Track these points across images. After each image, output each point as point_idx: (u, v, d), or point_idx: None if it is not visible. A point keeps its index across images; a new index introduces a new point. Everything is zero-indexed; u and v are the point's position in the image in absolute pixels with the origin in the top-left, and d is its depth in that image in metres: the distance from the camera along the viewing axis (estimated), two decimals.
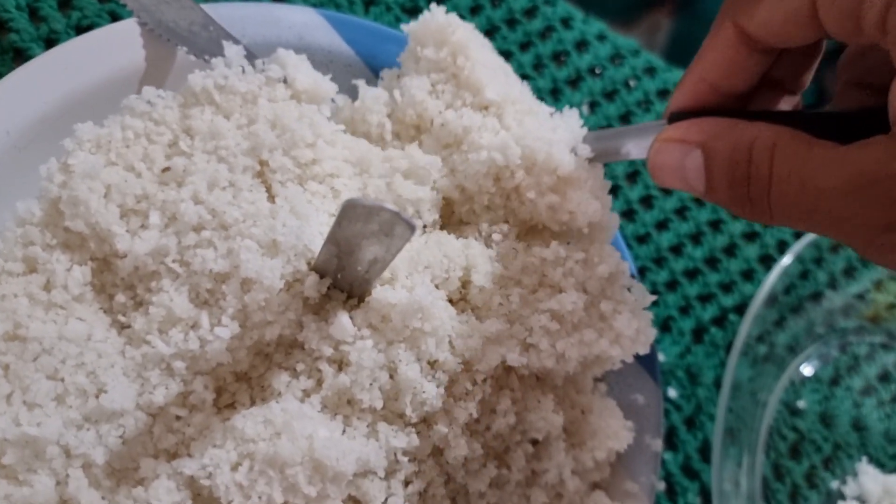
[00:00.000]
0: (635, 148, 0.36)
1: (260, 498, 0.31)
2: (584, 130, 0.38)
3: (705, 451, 0.52)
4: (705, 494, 0.51)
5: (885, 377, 0.58)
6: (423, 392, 0.34)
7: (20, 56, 0.46)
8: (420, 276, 0.36)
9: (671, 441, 0.52)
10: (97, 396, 0.32)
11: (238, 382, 0.35)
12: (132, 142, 0.36)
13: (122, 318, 0.35)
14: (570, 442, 0.40)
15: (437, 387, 0.35)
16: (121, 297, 0.35)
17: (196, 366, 0.33)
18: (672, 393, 0.52)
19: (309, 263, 0.34)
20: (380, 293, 0.35)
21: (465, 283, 0.38)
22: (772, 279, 0.53)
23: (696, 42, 0.35)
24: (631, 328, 0.37)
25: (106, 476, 0.32)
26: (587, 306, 0.37)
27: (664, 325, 0.54)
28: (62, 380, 0.32)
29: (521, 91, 0.41)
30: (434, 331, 0.35)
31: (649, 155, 0.34)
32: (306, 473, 0.31)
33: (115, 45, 0.40)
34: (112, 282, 0.35)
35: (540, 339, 0.36)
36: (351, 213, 0.30)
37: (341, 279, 0.35)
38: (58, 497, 0.31)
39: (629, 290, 0.39)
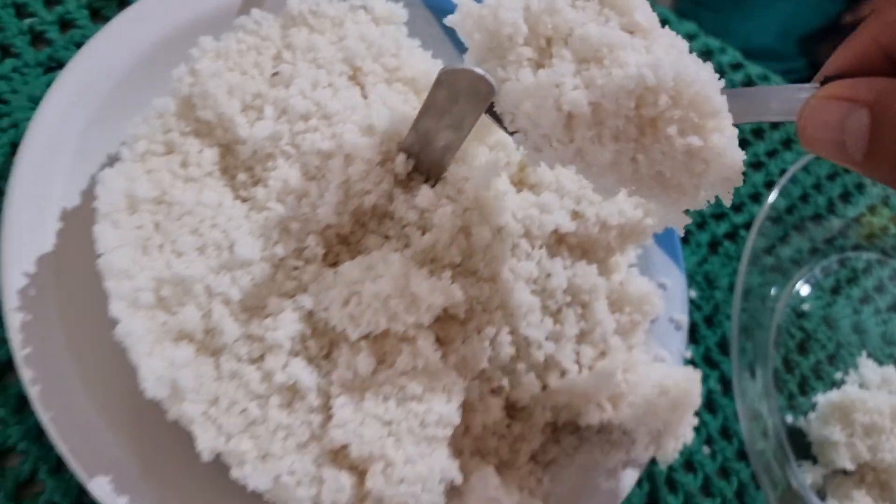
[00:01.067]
0: (779, 107, 0.33)
1: (368, 324, 0.39)
2: (721, 83, 0.34)
3: (723, 345, 0.60)
4: (724, 382, 0.59)
5: (880, 288, 0.66)
6: (493, 250, 0.42)
7: (123, 3, 0.54)
8: (485, 157, 0.44)
9: (693, 336, 0.60)
10: (230, 249, 0.40)
11: (341, 245, 0.43)
12: (244, 53, 0.44)
13: (243, 194, 0.42)
14: (612, 308, 0.48)
15: (504, 247, 0.43)
16: (242, 176, 0.43)
17: (308, 227, 0.41)
18: (692, 294, 0.60)
19: (398, 146, 0.43)
20: (454, 169, 0.43)
21: (522, 168, 0.46)
22: (773, 197, 0.61)
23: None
24: None
25: (241, 311, 0.40)
26: None
27: (684, 239, 0.62)
28: (201, 235, 0.40)
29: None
30: (499, 198, 0.43)
31: (801, 114, 0.31)
32: (405, 304, 0.39)
33: None
34: (234, 164, 0.43)
35: (586, 208, 0.44)
36: (445, 78, 0.37)
37: (422, 162, 0.43)
38: (203, 326, 0.39)
39: None
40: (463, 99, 0.38)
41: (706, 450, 0.57)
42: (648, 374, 0.46)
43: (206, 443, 0.37)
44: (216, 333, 0.39)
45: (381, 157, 0.42)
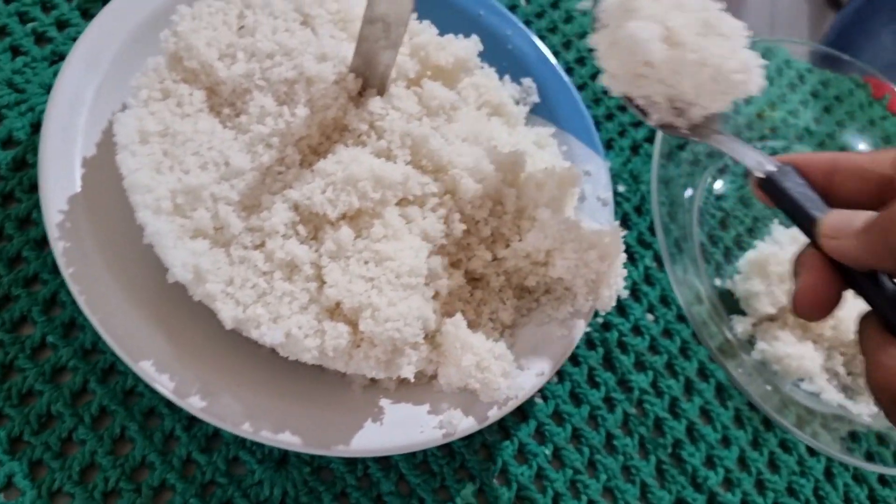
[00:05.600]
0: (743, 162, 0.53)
1: (344, 204, 0.52)
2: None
3: (652, 229, 0.74)
4: (658, 259, 0.73)
5: None
6: (436, 146, 0.56)
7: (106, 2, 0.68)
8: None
9: (626, 223, 0.74)
10: (226, 164, 0.53)
11: (312, 155, 0.57)
12: (214, 14, 0.58)
13: (229, 124, 0.56)
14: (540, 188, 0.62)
15: (445, 143, 0.57)
16: (227, 111, 0.56)
17: (285, 140, 0.54)
18: (621, 188, 0.75)
19: (348, 68, 0.57)
20: (394, 88, 0.57)
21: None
22: None
23: None
24: None
25: (241, 209, 0.53)
26: None
27: (608, 145, 0.77)
28: (202, 155, 0.53)
29: None
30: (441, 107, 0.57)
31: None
32: (371, 184, 0.53)
33: None
34: (219, 102, 0.57)
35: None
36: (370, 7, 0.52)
37: (369, 79, 0.57)
38: (213, 224, 0.52)
39: None
40: (392, 22, 0.52)
41: (650, 317, 0.71)
42: (577, 235, 0.60)
43: (228, 313, 0.50)
44: (224, 229, 0.52)
45: (335, 77, 0.56)
